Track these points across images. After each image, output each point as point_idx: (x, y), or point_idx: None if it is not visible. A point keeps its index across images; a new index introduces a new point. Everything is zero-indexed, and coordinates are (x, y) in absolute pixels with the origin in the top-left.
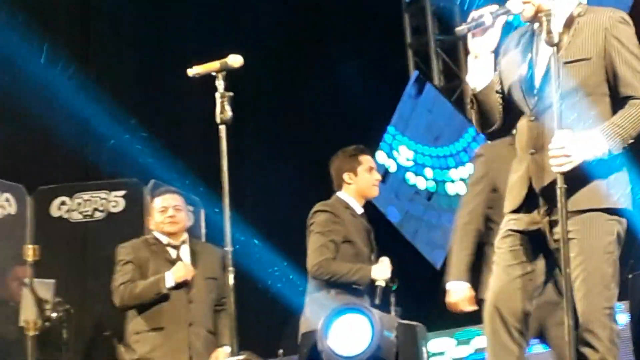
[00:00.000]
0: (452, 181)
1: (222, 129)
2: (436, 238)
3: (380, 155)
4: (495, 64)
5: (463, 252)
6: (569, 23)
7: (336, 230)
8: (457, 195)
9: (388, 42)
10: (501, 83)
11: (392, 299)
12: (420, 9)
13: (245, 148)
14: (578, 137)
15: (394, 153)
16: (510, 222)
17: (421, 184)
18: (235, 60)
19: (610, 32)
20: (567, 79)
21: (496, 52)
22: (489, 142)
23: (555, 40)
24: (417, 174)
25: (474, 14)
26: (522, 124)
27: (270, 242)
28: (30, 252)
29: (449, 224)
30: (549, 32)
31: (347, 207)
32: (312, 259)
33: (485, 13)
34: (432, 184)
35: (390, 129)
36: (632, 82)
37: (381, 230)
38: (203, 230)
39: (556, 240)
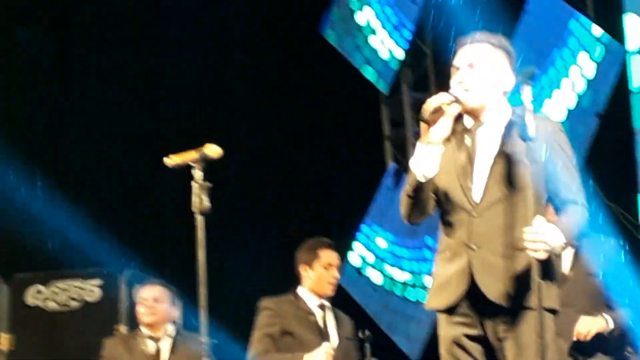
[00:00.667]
0: (429, 274)
1: (199, 219)
2: (413, 331)
3: (358, 247)
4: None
5: None
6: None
7: (272, 323)
8: None
9: (366, 133)
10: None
11: None
12: (399, 101)
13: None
14: (553, 224)
15: (372, 245)
16: (452, 325)
17: (398, 276)
18: (213, 150)
19: (554, 137)
20: (511, 178)
21: None
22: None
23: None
24: (394, 266)
25: (430, 101)
26: (461, 218)
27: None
28: (4, 341)
29: (426, 316)
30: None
31: (294, 301)
32: (248, 355)
33: (441, 101)
34: (409, 276)
35: (367, 220)
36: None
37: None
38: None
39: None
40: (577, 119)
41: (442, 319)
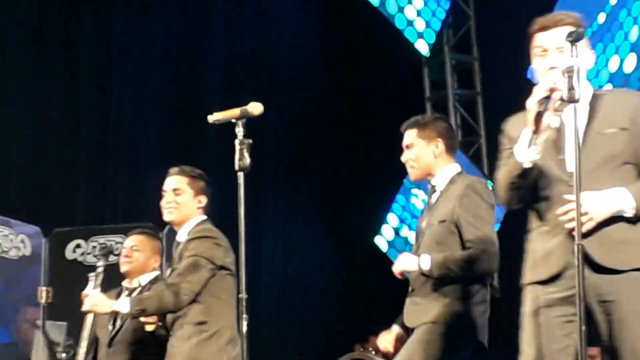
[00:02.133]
0: None
1: (240, 176)
2: None
3: (397, 208)
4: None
5: None
6: (595, 97)
7: None
8: None
9: (407, 95)
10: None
11: None
12: (440, 63)
13: (263, 196)
14: (598, 195)
15: (410, 206)
16: (547, 292)
17: None
18: (255, 108)
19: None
20: (602, 148)
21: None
22: None
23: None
24: None
25: (539, 93)
26: (559, 191)
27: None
28: (43, 294)
29: None
30: (571, 88)
31: None
32: None
33: (558, 91)
34: None
35: (406, 181)
36: None
37: None
38: None
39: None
40: (621, 85)
41: (533, 290)
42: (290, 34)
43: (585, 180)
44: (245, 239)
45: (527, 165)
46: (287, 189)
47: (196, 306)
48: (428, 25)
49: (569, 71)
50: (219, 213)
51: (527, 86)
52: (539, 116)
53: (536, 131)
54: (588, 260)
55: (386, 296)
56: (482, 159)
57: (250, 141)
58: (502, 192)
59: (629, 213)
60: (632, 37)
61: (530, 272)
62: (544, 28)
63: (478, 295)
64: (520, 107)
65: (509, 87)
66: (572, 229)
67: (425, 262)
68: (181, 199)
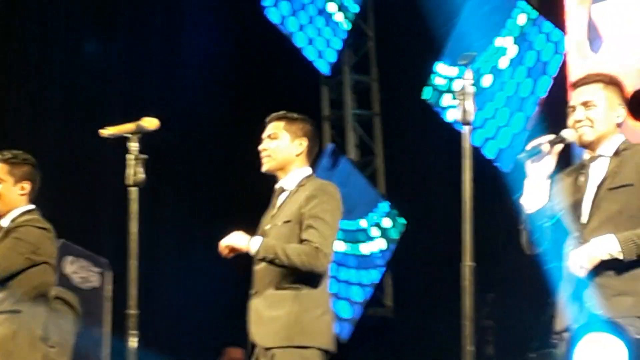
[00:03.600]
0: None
1: (133, 191)
2: (344, 311)
3: None
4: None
5: None
6: (616, 154)
7: None
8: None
9: (305, 113)
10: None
11: None
12: (339, 82)
13: (160, 211)
14: (588, 245)
15: None
16: None
17: None
18: (150, 123)
19: None
20: (611, 203)
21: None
22: None
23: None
24: None
25: (533, 142)
26: (573, 245)
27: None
28: None
29: (356, 297)
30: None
31: None
32: None
33: (543, 142)
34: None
35: None
36: None
37: None
38: (109, 294)
39: None
40: (515, 108)
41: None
42: (195, 51)
43: (591, 237)
44: (140, 254)
45: (530, 211)
46: (184, 205)
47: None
48: (329, 44)
49: (462, 94)
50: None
51: (424, 108)
52: (532, 161)
53: (532, 176)
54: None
55: None
56: (378, 179)
57: (146, 156)
58: (521, 235)
59: (619, 256)
60: (528, 62)
61: (558, 320)
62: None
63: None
64: (416, 126)
65: (407, 108)
66: None
67: (255, 243)
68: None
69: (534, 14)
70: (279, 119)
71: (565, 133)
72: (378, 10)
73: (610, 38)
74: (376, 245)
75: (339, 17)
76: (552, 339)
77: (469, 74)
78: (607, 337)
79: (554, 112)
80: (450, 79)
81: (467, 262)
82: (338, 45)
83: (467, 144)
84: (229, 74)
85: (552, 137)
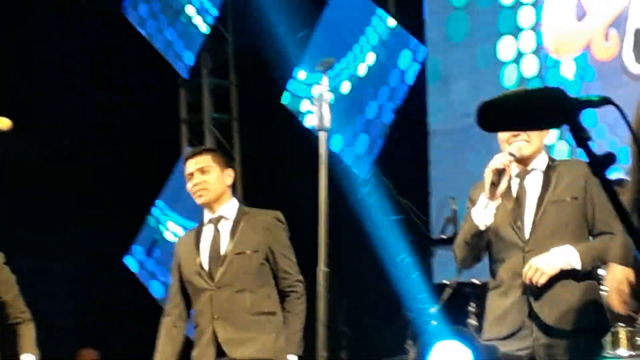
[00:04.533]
0: None
1: None
2: None
3: (148, 228)
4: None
5: (161, 346)
6: (549, 168)
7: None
8: None
9: (164, 116)
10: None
11: None
12: (197, 86)
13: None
14: (547, 254)
15: (162, 227)
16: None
17: None
18: (1, 122)
19: (589, 178)
20: (557, 216)
21: None
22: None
23: None
24: None
25: (496, 162)
26: (514, 255)
27: None
28: None
29: None
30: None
31: None
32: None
33: (505, 161)
34: None
35: (158, 203)
36: (608, 220)
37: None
38: None
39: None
40: (373, 113)
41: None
42: (54, 51)
43: (540, 247)
44: None
45: (482, 227)
46: (40, 204)
47: None
48: (187, 47)
49: (319, 100)
50: None
51: (283, 113)
52: (493, 184)
53: (491, 197)
54: (539, 323)
55: (133, 316)
56: (235, 184)
57: None
58: (457, 251)
59: (578, 266)
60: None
61: (490, 329)
62: None
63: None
64: (274, 131)
65: (265, 113)
66: (526, 289)
67: None
68: None
69: (393, 22)
70: (204, 152)
71: (513, 151)
72: (237, 14)
73: None
74: None
75: (197, 20)
76: (405, 344)
77: (326, 80)
78: (455, 345)
79: (410, 120)
80: (309, 85)
81: (322, 268)
82: (197, 48)
83: (323, 150)
84: (89, 74)
85: (508, 157)
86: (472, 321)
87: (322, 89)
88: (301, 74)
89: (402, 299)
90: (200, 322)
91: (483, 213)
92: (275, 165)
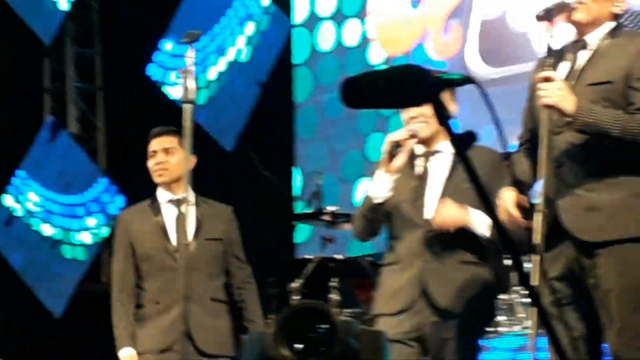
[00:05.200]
0: (79, 230)
1: None
2: (58, 286)
3: (8, 199)
4: None
5: (124, 322)
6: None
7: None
8: (83, 245)
9: (26, 85)
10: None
11: None
12: (61, 54)
13: None
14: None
15: (22, 198)
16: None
17: (47, 231)
18: None
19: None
20: (462, 199)
21: None
22: (129, 207)
23: None
24: (44, 221)
25: (392, 137)
26: (413, 234)
27: None
28: None
29: (72, 272)
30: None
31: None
32: None
33: (401, 137)
34: (58, 231)
35: (20, 172)
36: None
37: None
38: None
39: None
40: (240, 87)
41: (387, 321)
42: None
43: (440, 231)
44: None
45: (376, 201)
46: None
47: None
48: (51, 14)
49: (184, 72)
50: None
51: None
52: (390, 157)
53: (386, 170)
54: (431, 302)
55: None
56: (99, 154)
57: None
58: (355, 223)
59: (486, 232)
60: (253, 42)
61: (382, 304)
62: None
63: None
64: (140, 102)
65: (131, 84)
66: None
67: None
68: None
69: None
70: (172, 133)
71: (414, 128)
72: None
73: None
74: (94, 220)
75: None
76: (267, 319)
77: (192, 52)
78: None
79: (276, 94)
80: (175, 57)
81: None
82: (60, 15)
83: (188, 122)
84: None
85: (407, 132)
86: (334, 296)
87: (188, 60)
88: (167, 45)
89: (265, 274)
90: (161, 301)
91: (378, 186)
92: (140, 137)
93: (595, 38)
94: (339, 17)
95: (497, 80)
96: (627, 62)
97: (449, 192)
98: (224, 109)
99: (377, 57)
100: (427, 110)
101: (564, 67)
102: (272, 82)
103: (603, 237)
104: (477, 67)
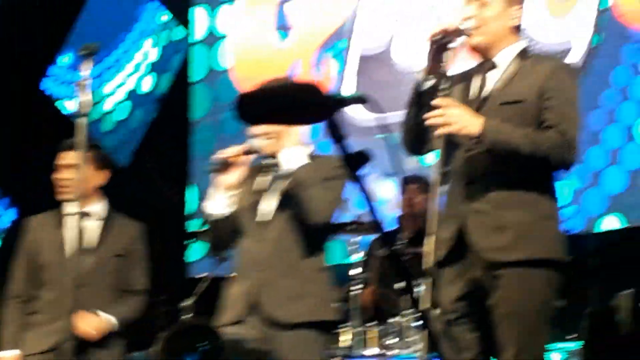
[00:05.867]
0: None
1: None
2: None
3: None
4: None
5: (12, 326)
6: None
7: None
8: None
9: None
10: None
11: None
12: None
13: None
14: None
15: None
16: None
17: None
18: None
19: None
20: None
21: None
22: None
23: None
24: None
25: (221, 153)
26: (247, 246)
27: None
28: None
29: None
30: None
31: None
32: None
33: (232, 153)
34: None
35: None
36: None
37: None
38: None
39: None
40: (137, 103)
41: (226, 332)
42: None
43: (273, 239)
44: None
45: (212, 218)
46: None
47: None
48: None
49: (79, 85)
50: None
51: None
52: (223, 172)
53: (222, 186)
54: (263, 313)
55: None
56: None
57: None
58: (207, 240)
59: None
60: (152, 58)
61: (222, 315)
62: None
63: None
64: (34, 116)
65: (24, 97)
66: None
67: None
68: None
69: (163, 11)
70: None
71: (254, 143)
72: None
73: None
74: None
75: None
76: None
77: (88, 66)
78: None
79: (174, 108)
80: (70, 70)
81: None
82: None
83: (81, 137)
84: None
85: (242, 148)
86: None
87: (83, 74)
88: (64, 59)
89: (157, 292)
90: (52, 312)
91: (214, 203)
92: (35, 151)
93: (504, 58)
94: None
95: (379, 127)
96: (539, 81)
97: (281, 204)
98: (120, 124)
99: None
100: (272, 127)
101: (474, 87)
102: (169, 99)
103: (507, 258)
104: (355, 112)
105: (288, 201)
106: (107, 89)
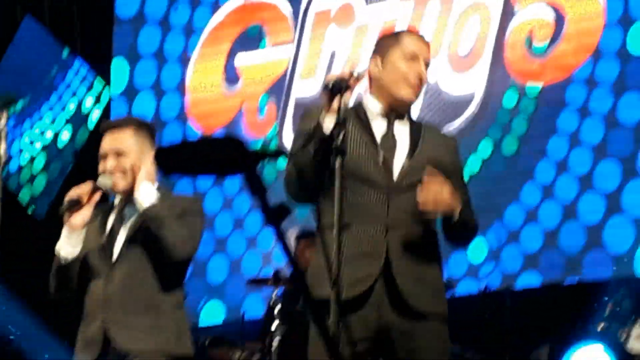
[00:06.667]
0: None
1: None
2: None
3: None
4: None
5: None
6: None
7: None
8: None
9: None
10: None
11: None
12: None
13: None
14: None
15: None
16: None
17: None
18: None
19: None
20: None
21: None
22: None
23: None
24: None
25: (71, 193)
26: (94, 287)
27: None
28: None
29: None
30: None
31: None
32: None
33: (78, 194)
34: None
35: None
36: None
37: None
38: None
39: None
40: (53, 155)
41: None
42: None
43: (121, 281)
44: None
45: (63, 261)
46: None
47: None
48: None
49: None
50: None
51: None
52: (71, 211)
53: (70, 226)
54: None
55: None
56: None
57: None
58: (51, 281)
59: None
60: (70, 110)
61: (77, 354)
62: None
63: None
64: None
65: None
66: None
67: None
68: None
69: (77, 63)
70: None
71: (104, 180)
72: None
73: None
74: None
75: None
76: None
77: (3, 116)
78: None
79: (92, 162)
80: None
81: None
82: None
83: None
84: None
85: (92, 185)
86: None
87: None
88: None
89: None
90: None
91: (65, 246)
92: None
93: (410, 112)
94: (157, 89)
95: None
96: (438, 152)
97: (135, 242)
98: (37, 176)
99: (195, 131)
100: (124, 162)
101: (377, 130)
102: (88, 152)
103: (429, 309)
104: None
105: (141, 238)
106: (24, 140)
